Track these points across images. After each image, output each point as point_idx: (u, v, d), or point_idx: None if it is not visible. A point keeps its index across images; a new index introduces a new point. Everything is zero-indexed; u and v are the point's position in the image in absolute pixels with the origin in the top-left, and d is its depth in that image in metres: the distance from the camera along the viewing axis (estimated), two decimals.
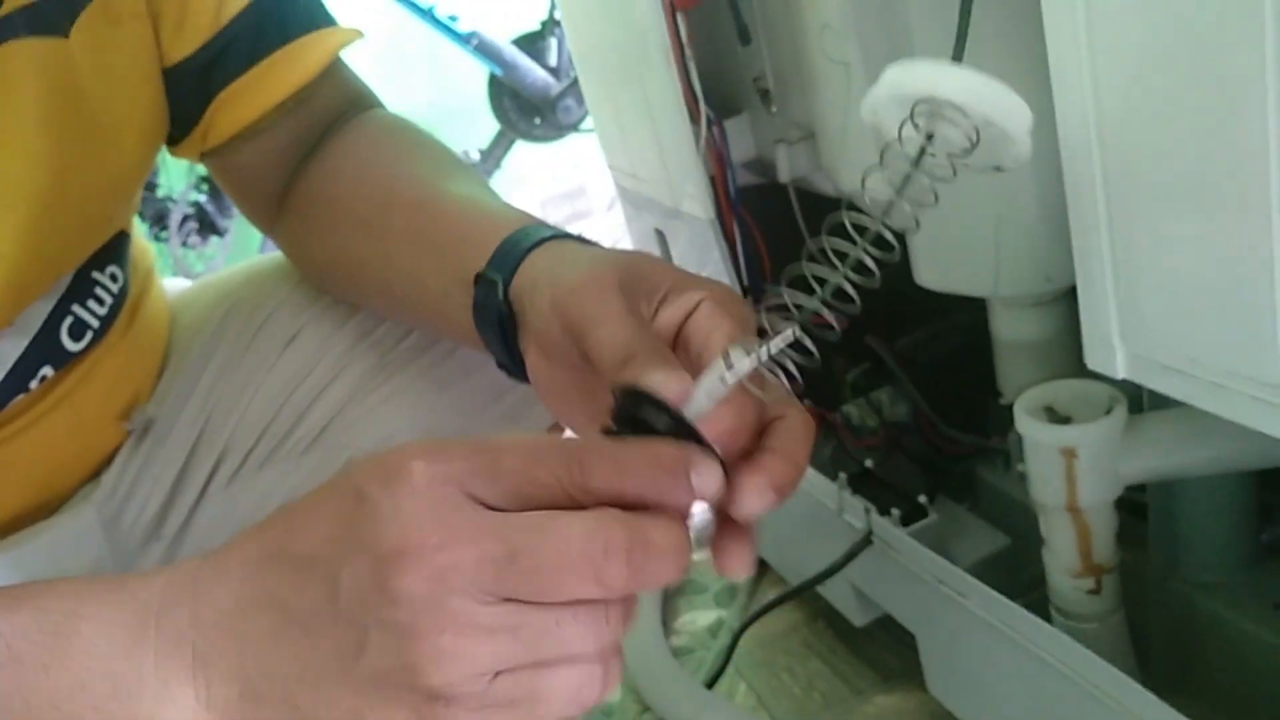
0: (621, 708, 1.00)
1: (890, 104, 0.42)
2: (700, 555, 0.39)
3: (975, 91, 0.41)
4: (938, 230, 0.74)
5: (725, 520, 0.39)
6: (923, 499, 0.85)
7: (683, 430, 0.38)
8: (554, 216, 2.66)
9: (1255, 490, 0.75)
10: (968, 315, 0.84)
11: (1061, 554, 0.72)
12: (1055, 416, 0.70)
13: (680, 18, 0.82)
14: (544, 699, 0.35)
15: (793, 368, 0.38)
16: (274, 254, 0.73)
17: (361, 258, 0.61)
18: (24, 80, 0.53)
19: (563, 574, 0.34)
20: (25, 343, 0.59)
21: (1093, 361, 0.54)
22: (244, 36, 0.62)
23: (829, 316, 0.38)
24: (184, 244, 2.32)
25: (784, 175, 0.87)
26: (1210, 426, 0.55)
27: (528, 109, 2.52)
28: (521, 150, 2.62)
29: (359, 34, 0.67)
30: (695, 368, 0.40)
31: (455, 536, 0.34)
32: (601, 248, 0.49)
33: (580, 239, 0.50)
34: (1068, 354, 0.74)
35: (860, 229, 0.38)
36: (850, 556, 0.85)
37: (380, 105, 0.70)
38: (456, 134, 2.51)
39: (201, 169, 2.24)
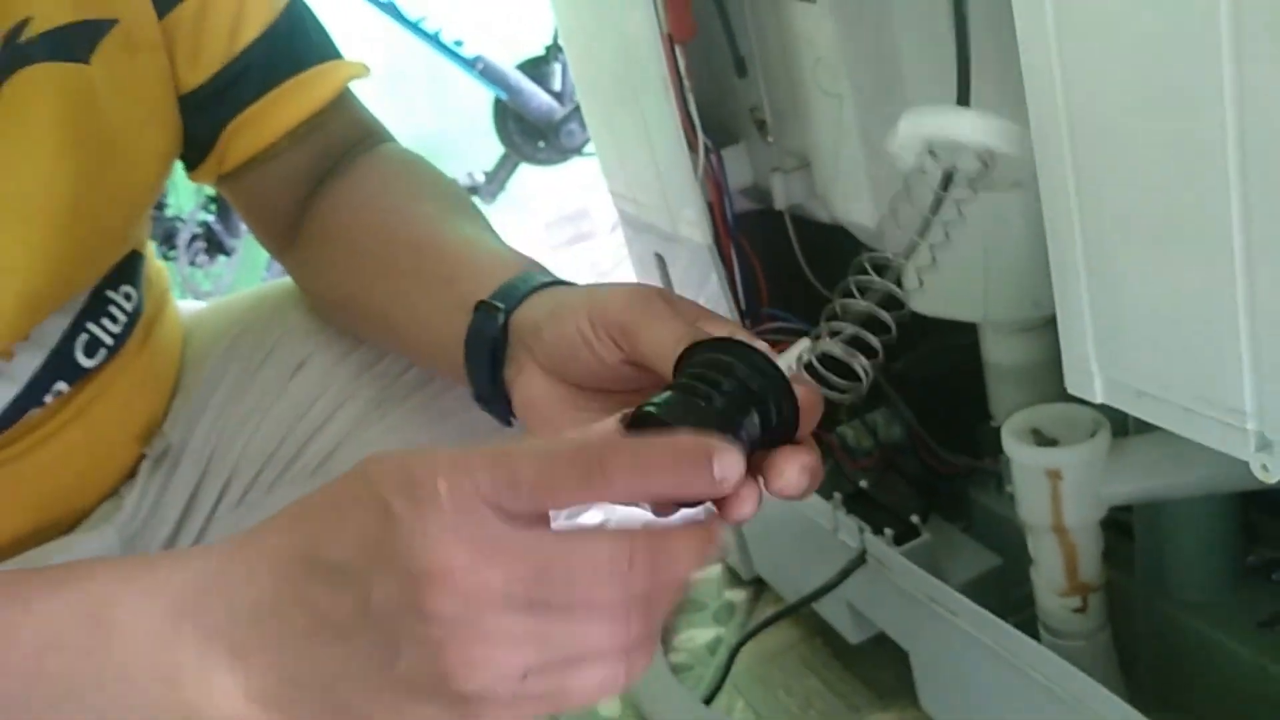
0: None
1: (913, 145, 0.46)
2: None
3: (989, 130, 0.45)
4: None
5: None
6: (915, 519, 0.87)
7: (750, 391, 0.39)
8: (557, 239, 2.68)
9: (1240, 512, 0.77)
10: (961, 339, 0.86)
11: (1049, 573, 0.74)
12: (1042, 439, 0.72)
13: (678, 50, 0.84)
14: (572, 691, 0.37)
15: (860, 366, 0.42)
16: (283, 280, 0.75)
17: (364, 290, 0.63)
18: (45, 103, 0.55)
19: (590, 587, 0.35)
20: (41, 358, 0.60)
21: (1073, 387, 0.55)
22: (256, 65, 0.64)
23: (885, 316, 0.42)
24: (191, 263, 2.34)
25: (780, 202, 0.89)
26: (1191, 450, 0.56)
27: (532, 133, 2.55)
28: (525, 173, 2.65)
29: (366, 69, 0.69)
30: None
31: (483, 558, 0.35)
32: None
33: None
34: (1055, 378, 0.76)
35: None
36: (845, 575, 0.87)
37: (391, 139, 0.72)
38: (461, 157, 2.54)
39: (209, 190, 2.28)
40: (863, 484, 0.93)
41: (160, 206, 2.31)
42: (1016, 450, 0.70)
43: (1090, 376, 0.53)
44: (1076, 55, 0.45)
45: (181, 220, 2.34)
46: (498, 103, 2.53)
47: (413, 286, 0.59)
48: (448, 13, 2.41)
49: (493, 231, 0.62)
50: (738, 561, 1.13)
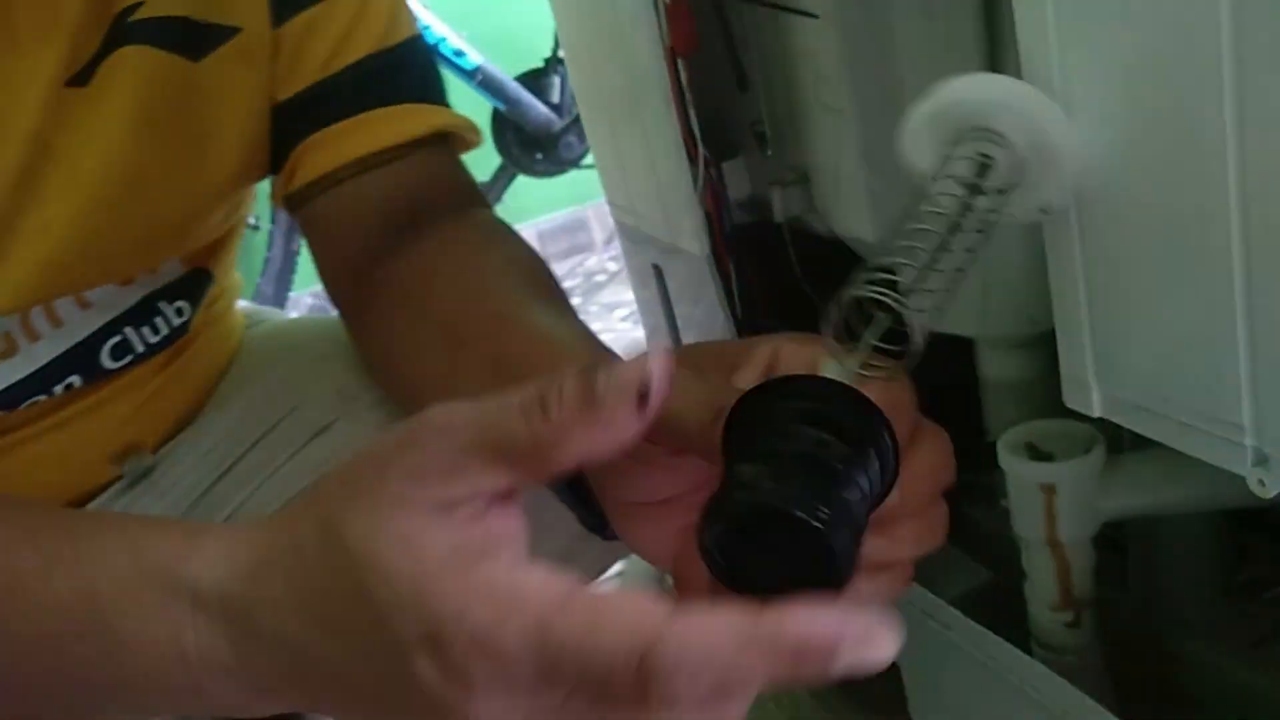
0: None
1: (935, 129, 0.43)
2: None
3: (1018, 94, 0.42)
4: None
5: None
6: None
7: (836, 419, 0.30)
8: (553, 250, 2.70)
9: (1233, 530, 0.77)
10: (957, 354, 0.87)
11: (1041, 587, 0.74)
12: (1037, 454, 0.72)
13: (680, 63, 0.84)
14: None
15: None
16: (328, 323, 0.71)
17: (430, 359, 0.59)
18: (132, 84, 0.55)
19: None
20: (65, 347, 0.59)
21: (1070, 399, 0.56)
22: (347, 88, 0.62)
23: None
24: None
25: (779, 215, 0.90)
26: (1186, 467, 0.57)
27: (530, 144, 2.55)
28: (523, 184, 2.66)
29: (472, 129, 0.65)
30: None
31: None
32: None
33: None
34: (1051, 393, 0.77)
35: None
36: None
37: (486, 207, 0.68)
38: None
39: None
40: None
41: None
42: (1011, 464, 0.71)
43: (1088, 390, 0.53)
44: (1078, 70, 0.46)
45: None
46: (496, 114, 2.54)
47: (481, 366, 0.54)
48: (449, 24, 2.42)
49: (572, 314, 0.58)
50: None
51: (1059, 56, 0.47)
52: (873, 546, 0.34)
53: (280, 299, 2.39)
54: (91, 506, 0.64)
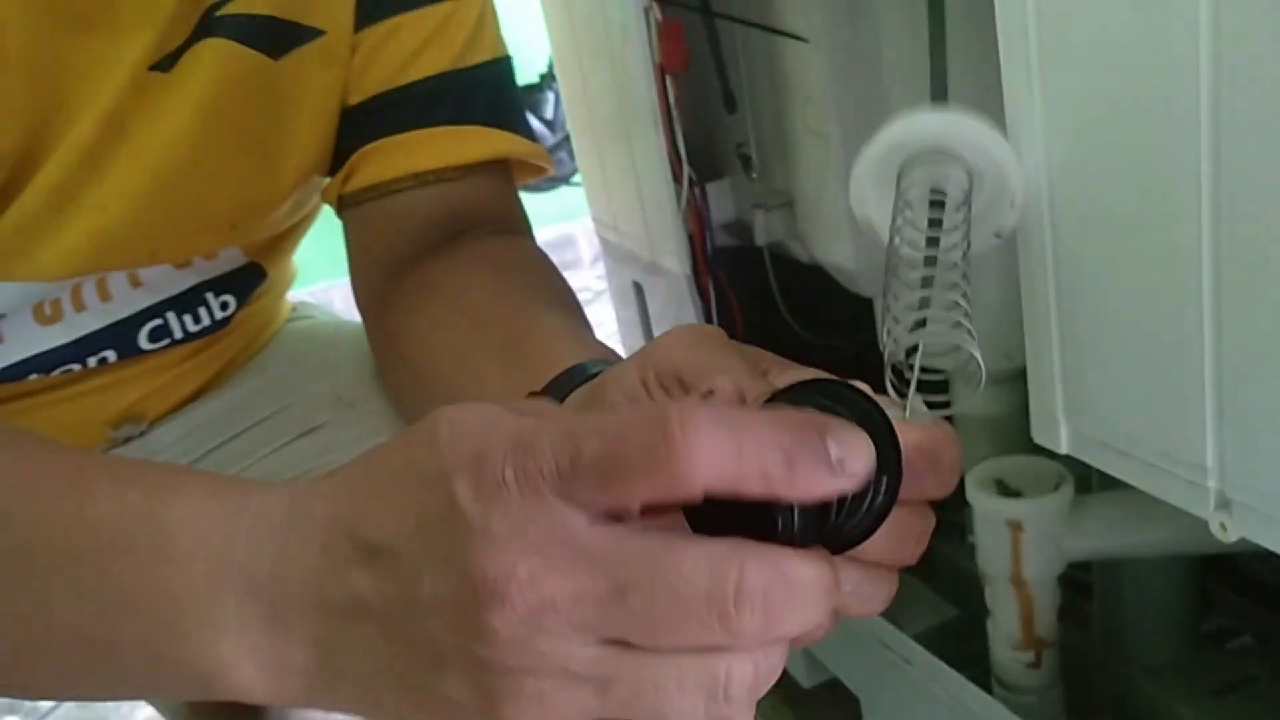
0: None
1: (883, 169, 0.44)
2: None
3: (957, 124, 0.43)
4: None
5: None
6: None
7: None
8: None
9: (1199, 577, 0.77)
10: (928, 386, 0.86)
11: (1004, 625, 0.74)
12: (1006, 490, 0.72)
13: (669, 82, 0.85)
14: None
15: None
16: (354, 329, 0.71)
17: (445, 335, 0.59)
18: (209, 74, 0.56)
19: (681, 618, 0.28)
20: (107, 322, 0.61)
21: (1038, 436, 0.55)
22: (416, 102, 0.62)
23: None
24: None
25: (760, 239, 0.90)
26: (1152, 509, 0.56)
27: None
28: None
29: (543, 157, 0.65)
30: None
31: (552, 568, 0.29)
32: None
33: None
34: (1021, 431, 0.76)
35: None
36: None
37: (530, 236, 0.68)
38: None
39: None
40: None
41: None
42: (979, 499, 0.70)
43: (1056, 427, 0.53)
44: (1057, 112, 0.46)
45: None
46: None
47: (493, 354, 0.54)
48: None
49: (586, 325, 0.57)
50: None
51: (1042, 96, 0.47)
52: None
53: None
54: None
